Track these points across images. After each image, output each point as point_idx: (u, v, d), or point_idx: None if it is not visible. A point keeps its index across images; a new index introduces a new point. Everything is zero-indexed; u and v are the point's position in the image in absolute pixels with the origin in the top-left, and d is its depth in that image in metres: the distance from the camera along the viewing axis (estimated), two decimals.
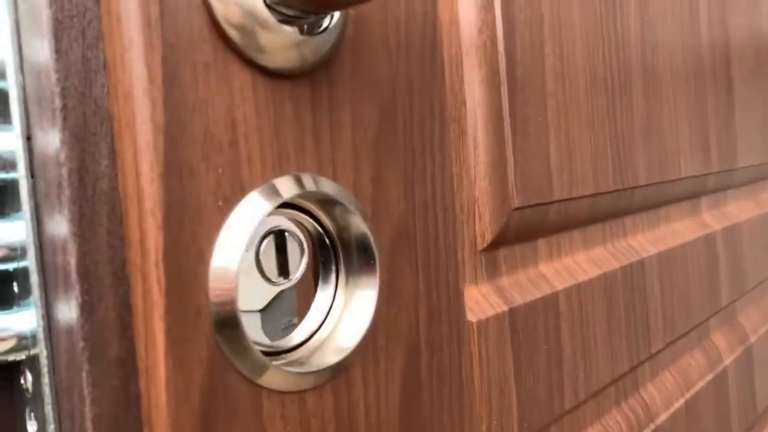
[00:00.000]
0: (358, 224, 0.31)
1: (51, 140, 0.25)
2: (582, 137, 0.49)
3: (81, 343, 0.25)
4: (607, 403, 0.54)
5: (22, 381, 0.30)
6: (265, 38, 0.28)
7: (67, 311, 0.26)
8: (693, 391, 0.65)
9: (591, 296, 0.50)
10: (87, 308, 0.25)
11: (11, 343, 0.28)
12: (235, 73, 0.27)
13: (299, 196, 0.30)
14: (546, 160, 0.45)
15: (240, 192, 0.27)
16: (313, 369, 0.29)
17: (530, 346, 0.43)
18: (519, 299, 0.43)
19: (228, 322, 0.27)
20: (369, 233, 0.32)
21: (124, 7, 0.25)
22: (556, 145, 0.46)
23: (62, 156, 0.25)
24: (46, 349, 0.28)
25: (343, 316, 0.32)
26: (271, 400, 0.28)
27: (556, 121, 0.46)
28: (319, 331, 0.32)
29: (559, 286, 0.47)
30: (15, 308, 0.29)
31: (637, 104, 0.58)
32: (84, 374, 0.25)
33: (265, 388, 0.28)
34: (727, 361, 0.72)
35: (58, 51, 0.25)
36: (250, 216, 0.27)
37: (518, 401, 0.42)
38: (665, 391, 0.62)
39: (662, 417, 0.59)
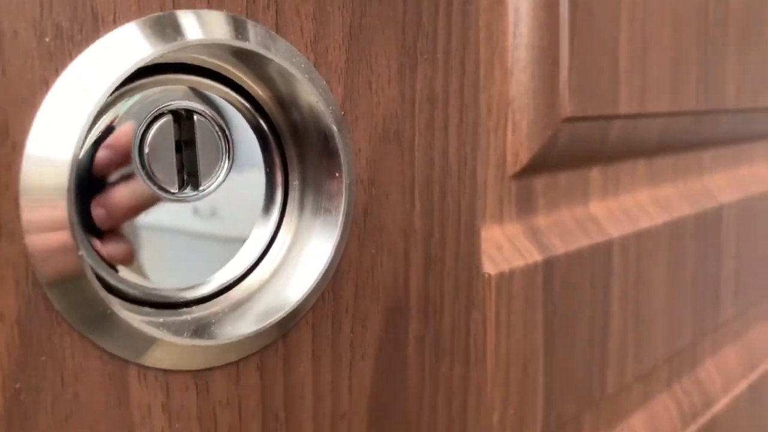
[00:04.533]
0: (316, 109, 0.19)
1: None
2: (662, 29, 0.36)
3: None
4: (657, 384, 0.42)
5: None
6: None
7: None
8: (759, 371, 0.54)
9: (653, 249, 0.37)
10: None
11: None
12: None
13: (206, 45, 0.18)
14: (614, 53, 0.32)
15: (93, 25, 0.16)
16: (228, 337, 0.18)
17: (569, 312, 0.31)
18: (560, 247, 0.31)
19: (59, 258, 0.15)
20: (333, 126, 0.20)
21: None
22: (629, 33, 0.33)
23: None
24: None
25: (289, 254, 0.21)
26: (144, 382, 0.17)
27: (630, 3, 0.33)
28: (248, 277, 0.20)
29: (615, 233, 0.34)
30: None
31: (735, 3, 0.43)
32: None
33: (137, 364, 0.17)
34: None
35: None
36: (104, 70, 0.16)
37: (546, 384, 0.30)
38: (726, 370, 0.50)
39: (721, 403, 0.48)
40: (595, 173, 0.35)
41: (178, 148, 0.19)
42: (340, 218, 0.20)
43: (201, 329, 0.19)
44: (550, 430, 0.31)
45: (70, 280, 0.16)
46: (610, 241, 0.34)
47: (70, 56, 0.15)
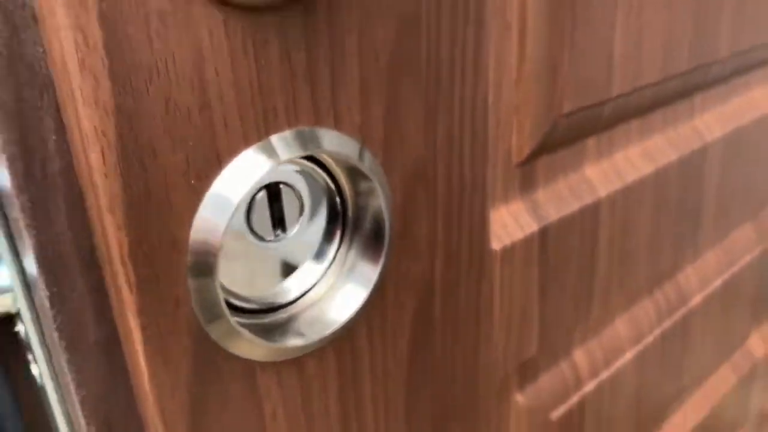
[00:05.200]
0: (364, 180, 0.27)
1: None
2: (657, 16, 0.40)
3: (56, 334, 0.23)
4: (639, 295, 0.52)
5: (19, 329, 0.29)
6: None
7: (42, 298, 0.24)
8: (736, 267, 0.62)
9: (639, 199, 0.45)
10: (58, 300, 0.23)
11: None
12: (200, 16, 0.21)
13: (286, 161, 0.25)
14: (609, 52, 0.37)
15: (216, 165, 0.23)
16: (312, 339, 0.27)
17: (560, 265, 0.40)
18: (553, 214, 0.39)
19: (210, 309, 0.24)
20: (379, 187, 0.27)
21: None
22: (624, 32, 0.38)
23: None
24: (30, 313, 0.26)
25: (349, 273, 0.29)
26: (265, 372, 0.27)
27: (627, 2, 0.37)
28: (316, 287, 0.29)
29: (603, 191, 0.42)
30: None
31: None
32: (65, 363, 0.24)
33: (258, 362, 0.26)
34: None
35: None
36: (229, 192, 0.23)
37: (540, 322, 0.40)
38: (703, 270, 0.59)
39: (696, 299, 0.57)
40: (590, 142, 0.42)
41: (272, 202, 0.27)
42: (384, 249, 0.28)
43: (295, 330, 0.28)
44: (545, 351, 0.41)
45: (216, 316, 0.25)
46: (599, 201, 0.41)
47: (208, 186, 0.23)
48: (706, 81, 0.49)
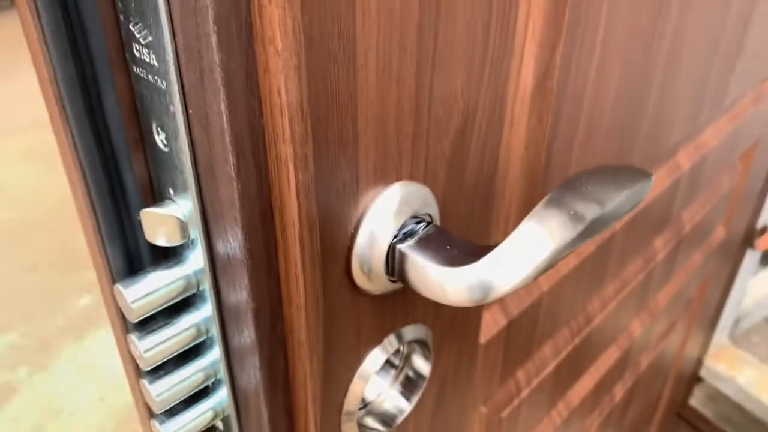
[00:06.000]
0: (425, 347, 0.48)
1: None
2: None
3: None
4: (560, 327, 0.76)
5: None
6: (380, 284, 0.40)
7: None
8: (628, 288, 0.88)
9: (568, 282, 0.68)
10: None
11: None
12: (362, 310, 0.41)
13: (394, 350, 0.45)
14: None
15: (359, 355, 0.43)
16: (389, 427, 0.49)
17: (516, 337, 0.63)
18: (515, 310, 0.61)
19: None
20: (432, 353, 0.48)
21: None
22: None
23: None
24: None
25: (401, 387, 0.51)
26: None
27: None
28: (383, 393, 0.51)
29: (545, 286, 0.64)
30: None
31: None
32: None
33: None
34: (659, 256, 0.93)
35: None
36: (362, 378, 0.44)
37: (503, 370, 0.63)
38: (603, 297, 0.84)
39: (597, 319, 0.83)
40: None
41: None
42: (423, 386, 0.50)
43: (380, 420, 0.49)
44: (503, 382, 0.65)
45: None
46: (543, 294, 0.64)
47: (357, 370, 0.43)
48: None
